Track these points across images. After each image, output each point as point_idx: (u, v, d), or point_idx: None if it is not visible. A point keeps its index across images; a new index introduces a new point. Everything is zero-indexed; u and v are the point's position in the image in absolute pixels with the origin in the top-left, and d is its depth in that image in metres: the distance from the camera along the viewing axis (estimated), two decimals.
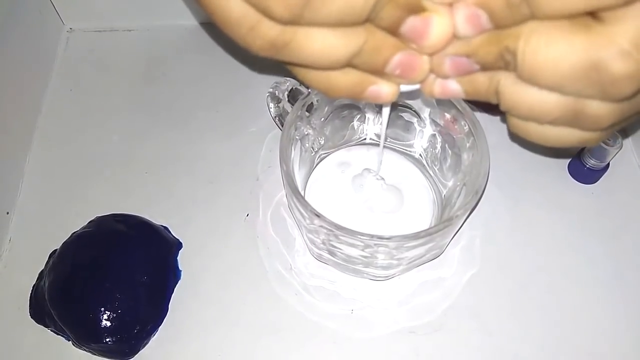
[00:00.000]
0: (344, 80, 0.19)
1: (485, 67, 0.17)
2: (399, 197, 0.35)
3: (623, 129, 0.39)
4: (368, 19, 0.17)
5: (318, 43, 0.17)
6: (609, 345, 0.32)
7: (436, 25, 0.16)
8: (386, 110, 0.28)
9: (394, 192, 0.35)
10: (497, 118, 0.40)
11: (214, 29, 0.20)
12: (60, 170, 0.39)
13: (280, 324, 0.33)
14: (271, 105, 0.36)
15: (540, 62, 0.16)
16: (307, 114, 0.33)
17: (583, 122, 0.18)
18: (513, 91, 0.18)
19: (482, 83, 0.18)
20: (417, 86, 0.20)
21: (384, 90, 0.19)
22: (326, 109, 0.34)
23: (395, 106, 0.34)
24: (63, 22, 0.46)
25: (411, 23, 0.16)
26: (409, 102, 0.34)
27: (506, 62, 0.17)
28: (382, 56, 0.18)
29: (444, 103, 0.32)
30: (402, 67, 0.18)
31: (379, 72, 0.18)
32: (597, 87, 0.16)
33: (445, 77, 0.18)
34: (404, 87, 0.20)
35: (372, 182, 0.34)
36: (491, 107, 0.40)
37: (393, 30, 0.17)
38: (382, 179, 0.34)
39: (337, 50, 0.17)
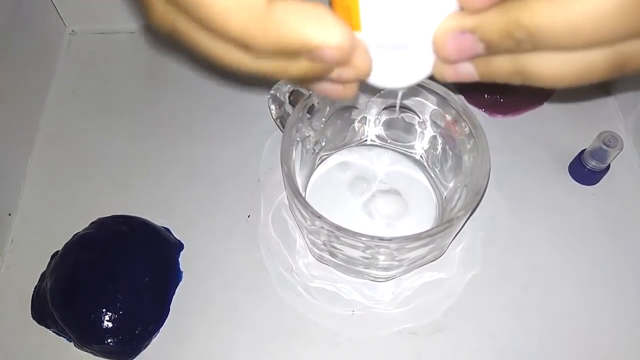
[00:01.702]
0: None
1: (491, 47, 0.15)
2: (401, 205, 0.35)
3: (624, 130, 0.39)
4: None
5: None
6: (610, 346, 0.32)
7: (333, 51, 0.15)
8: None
9: (396, 200, 0.35)
10: (498, 119, 0.40)
11: None
12: (62, 171, 0.39)
13: (281, 325, 0.33)
14: (272, 107, 0.36)
15: (574, 20, 0.14)
16: (308, 115, 0.33)
17: (630, 66, 0.16)
18: (552, 67, 0.15)
19: (500, 63, 0.16)
20: (410, 83, 0.19)
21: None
22: (327, 110, 0.34)
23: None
24: (65, 24, 0.46)
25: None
26: (410, 104, 0.34)
27: (517, 41, 0.15)
28: (307, 81, 0.18)
29: (444, 104, 0.33)
30: (327, 92, 0.18)
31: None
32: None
33: (448, 60, 0.17)
34: (396, 84, 0.19)
35: (373, 190, 0.34)
36: (492, 107, 0.40)
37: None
38: (384, 183, 0.34)
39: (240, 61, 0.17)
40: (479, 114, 0.40)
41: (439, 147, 0.35)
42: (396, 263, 0.30)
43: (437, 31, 0.16)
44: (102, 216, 0.35)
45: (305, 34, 0.15)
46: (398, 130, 0.36)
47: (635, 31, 0.14)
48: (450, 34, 0.16)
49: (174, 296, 0.34)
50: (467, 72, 0.17)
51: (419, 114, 0.35)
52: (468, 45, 0.16)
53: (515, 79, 0.16)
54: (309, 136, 0.34)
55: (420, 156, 0.36)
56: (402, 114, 0.35)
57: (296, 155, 0.33)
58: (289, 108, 0.35)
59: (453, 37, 0.16)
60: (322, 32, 0.15)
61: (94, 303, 0.31)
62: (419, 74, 0.18)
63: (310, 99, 0.33)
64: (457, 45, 0.16)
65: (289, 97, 0.35)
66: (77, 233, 0.34)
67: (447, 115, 0.33)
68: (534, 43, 0.15)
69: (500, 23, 0.15)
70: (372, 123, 0.36)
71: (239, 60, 0.17)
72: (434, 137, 0.35)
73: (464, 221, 0.30)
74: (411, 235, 0.28)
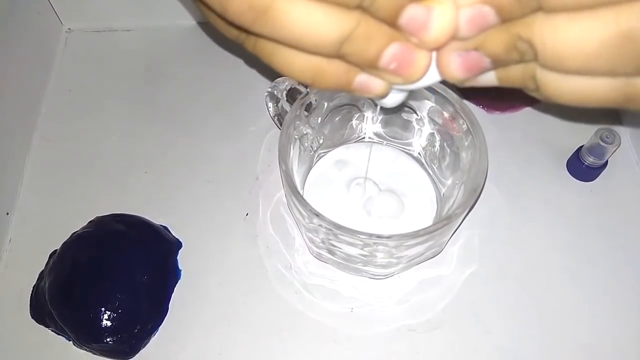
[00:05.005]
0: (331, 68, 0.17)
1: (497, 61, 0.16)
2: (399, 204, 0.35)
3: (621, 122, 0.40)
4: (361, 7, 0.15)
5: (302, 15, 0.15)
6: (608, 343, 0.32)
7: (439, 16, 0.15)
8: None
9: (393, 199, 0.35)
10: (496, 116, 0.40)
11: (213, 28, 0.20)
12: (60, 170, 0.39)
13: (280, 322, 0.33)
14: (270, 104, 0.36)
15: (563, 45, 0.14)
16: (305, 113, 0.33)
17: (637, 101, 0.16)
18: (550, 81, 0.16)
19: (515, 70, 0.16)
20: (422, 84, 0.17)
21: (375, 81, 0.17)
22: (325, 108, 0.34)
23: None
24: (62, 22, 0.46)
25: (411, 13, 0.15)
26: (407, 101, 0.34)
27: (521, 53, 0.15)
28: (376, 46, 0.16)
29: (442, 102, 0.33)
30: (397, 61, 0.16)
31: (371, 65, 0.16)
32: (634, 60, 0.14)
33: (454, 77, 0.16)
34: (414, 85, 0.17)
35: (371, 188, 0.34)
36: (490, 104, 0.40)
37: (391, 22, 0.15)
38: (382, 181, 0.34)
39: (323, 29, 0.15)
40: (476, 111, 0.40)
41: (437, 144, 0.35)
42: (394, 260, 0.30)
43: (439, 54, 0.16)
44: (100, 215, 0.35)
45: None
46: (396, 127, 0.36)
47: (624, 70, 0.14)
48: (454, 53, 0.16)
49: (173, 294, 0.34)
50: (487, 75, 0.17)
51: (417, 111, 0.35)
52: (474, 61, 0.16)
53: (530, 85, 0.16)
54: (306, 134, 0.34)
55: (418, 153, 0.36)
56: (400, 111, 0.35)
57: (294, 152, 0.33)
58: (286, 105, 0.35)
59: (458, 56, 0.16)
60: None
61: (93, 302, 0.31)
62: (431, 78, 0.17)
63: (308, 97, 0.32)
64: (463, 62, 0.16)
65: (287, 95, 0.35)
66: (75, 232, 0.34)
67: (444, 113, 0.33)
68: (536, 56, 0.15)
69: (504, 36, 0.15)
70: (369, 120, 0.36)
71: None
72: (432, 134, 0.35)
73: (462, 218, 0.30)
74: (409, 232, 0.28)
